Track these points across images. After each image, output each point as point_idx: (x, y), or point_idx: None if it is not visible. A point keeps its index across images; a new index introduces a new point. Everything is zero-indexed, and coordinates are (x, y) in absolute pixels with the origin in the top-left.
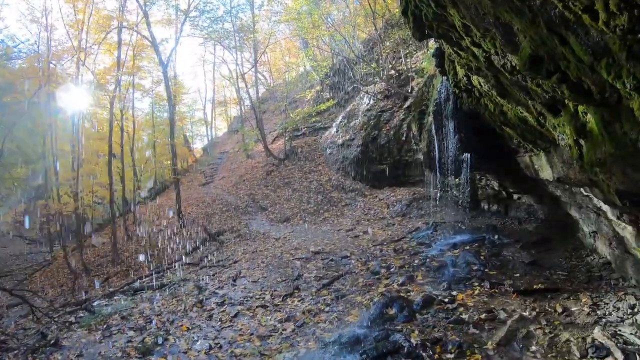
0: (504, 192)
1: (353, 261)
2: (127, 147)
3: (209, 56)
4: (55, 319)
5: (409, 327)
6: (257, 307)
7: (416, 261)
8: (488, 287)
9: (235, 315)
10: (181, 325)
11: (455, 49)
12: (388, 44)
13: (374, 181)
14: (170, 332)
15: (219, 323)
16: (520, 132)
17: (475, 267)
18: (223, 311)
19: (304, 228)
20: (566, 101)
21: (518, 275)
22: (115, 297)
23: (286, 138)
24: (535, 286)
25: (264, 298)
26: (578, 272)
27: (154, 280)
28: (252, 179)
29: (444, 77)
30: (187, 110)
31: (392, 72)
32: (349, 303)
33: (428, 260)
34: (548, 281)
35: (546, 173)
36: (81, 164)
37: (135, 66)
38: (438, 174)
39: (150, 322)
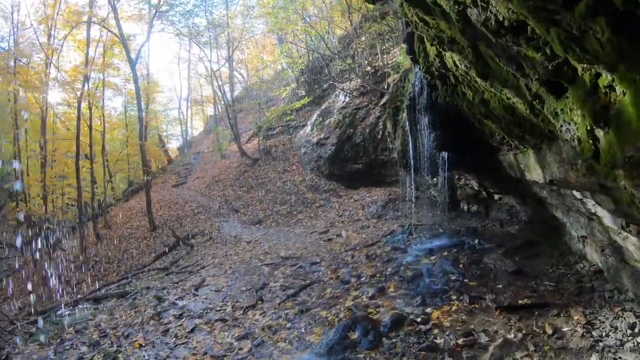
0: (484, 192)
1: (323, 268)
2: (100, 147)
3: (185, 54)
4: (14, 332)
5: (373, 355)
6: (216, 320)
7: (389, 269)
8: (467, 301)
9: (192, 330)
10: (135, 341)
11: (420, 14)
12: (364, 39)
13: (349, 181)
14: (122, 348)
15: (174, 339)
16: (505, 125)
17: (453, 277)
18: (180, 325)
19: (276, 230)
20: (580, 70)
21: (501, 286)
22: (79, 306)
23: (260, 137)
24: (520, 301)
25: (224, 310)
26: (567, 282)
27: (118, 288)
28: (226, 179)
29: (417, 66)
30: (162, 109)
31: (368, 68)
32: (312, 318)
33: (402, 268)
34: (535, 294)
35: (535, 174)
36: (50, 165)
37: (106, 63)
38: (412, 173)
39: (105, 336)
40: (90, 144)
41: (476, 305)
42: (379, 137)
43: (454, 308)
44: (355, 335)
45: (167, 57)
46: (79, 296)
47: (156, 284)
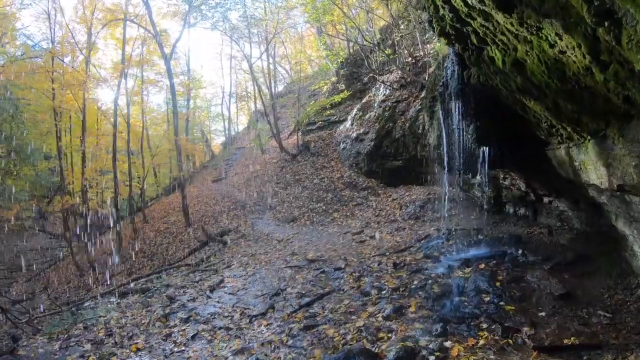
0: (532, 194)
1: (345, 275)
2: (145, 143)
3: (228, 50)
4: (30, 324)
5: None
6: (220, 328)
7: (415, 282)
8: (499, 333)
9: (193, 337)
10: (136, 343)
11: None
12: (403, 27)
13: (388, 179)
14: (119, 351)
15: (172, 345)
16: (552, 102)
17: (487, 298)
18: (183, 330)
19: (309, 229)
20: None
21: (544, 314)
22: (104, 300)
23: (299, 133)
24: (566, 340)
25: (232, 317)
26: (626, 312)
27: (146, 283)
28: (264, 175)
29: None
30: (206, 105)
31: (409, 59)
32: (317, 337)
33: (430, 282)
34: (585, 329)
35: (594, 176)
36: (93, 160)
37: (143, 60)
38: (446, 171)
39: (111, 335)
40: (127, 140)
41: (509, 341)
42: (420, 131)
43: (480, 342)
44: None
45: (211, 53)
46: (111, 289)
47: (177, 281)
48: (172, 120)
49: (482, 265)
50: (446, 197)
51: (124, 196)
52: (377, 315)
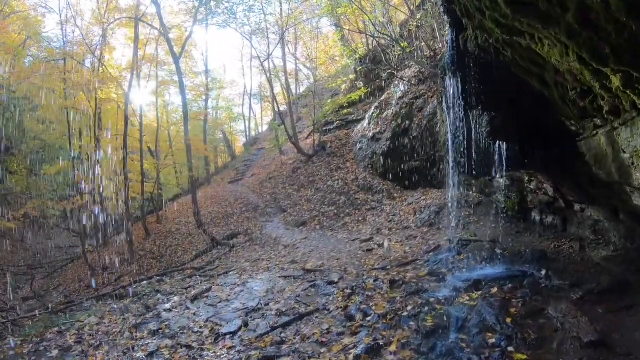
0: (561, 200)
1: (336, 291)
2: (165, 143)
3: (249, 50)
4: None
5: None
6: (182, 346)
7: (409, 308)
8: None
9: (151, 355)
10: (97, 354)
11: None
12: (419, 16)
13: (405, 181)
14: None
15: None
16: (575, 13)
17: (492, 340)
18: (146, 345)
19: (319, 235)
20: None
21: None
22: (101, 302)
23: (315, 133)
24: None
25: (200, 333)
26: None
27: (149, 285)
28: (279, 176)
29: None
30: (228, 106)
31: (428, 52)
32: None
33: (426, 309)
34: None
35: None
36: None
37: (158, 59)
38: (451, 171)
39: (80, 342)
40: (140, 140)
41: None
42: (437, 129)
43: None
44: None
45: (235, 54)
46: (111, 291)
47: (167, 287)
48: (191, 119)
49: (495, 290)
50: (453, 203)
51: (140, 197)
52: (350, 352)
